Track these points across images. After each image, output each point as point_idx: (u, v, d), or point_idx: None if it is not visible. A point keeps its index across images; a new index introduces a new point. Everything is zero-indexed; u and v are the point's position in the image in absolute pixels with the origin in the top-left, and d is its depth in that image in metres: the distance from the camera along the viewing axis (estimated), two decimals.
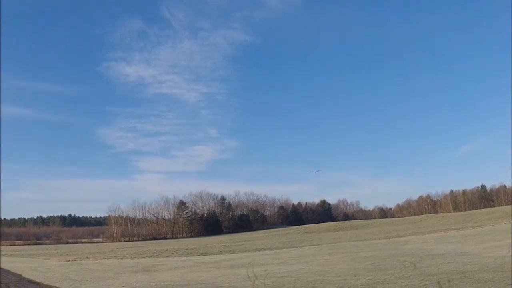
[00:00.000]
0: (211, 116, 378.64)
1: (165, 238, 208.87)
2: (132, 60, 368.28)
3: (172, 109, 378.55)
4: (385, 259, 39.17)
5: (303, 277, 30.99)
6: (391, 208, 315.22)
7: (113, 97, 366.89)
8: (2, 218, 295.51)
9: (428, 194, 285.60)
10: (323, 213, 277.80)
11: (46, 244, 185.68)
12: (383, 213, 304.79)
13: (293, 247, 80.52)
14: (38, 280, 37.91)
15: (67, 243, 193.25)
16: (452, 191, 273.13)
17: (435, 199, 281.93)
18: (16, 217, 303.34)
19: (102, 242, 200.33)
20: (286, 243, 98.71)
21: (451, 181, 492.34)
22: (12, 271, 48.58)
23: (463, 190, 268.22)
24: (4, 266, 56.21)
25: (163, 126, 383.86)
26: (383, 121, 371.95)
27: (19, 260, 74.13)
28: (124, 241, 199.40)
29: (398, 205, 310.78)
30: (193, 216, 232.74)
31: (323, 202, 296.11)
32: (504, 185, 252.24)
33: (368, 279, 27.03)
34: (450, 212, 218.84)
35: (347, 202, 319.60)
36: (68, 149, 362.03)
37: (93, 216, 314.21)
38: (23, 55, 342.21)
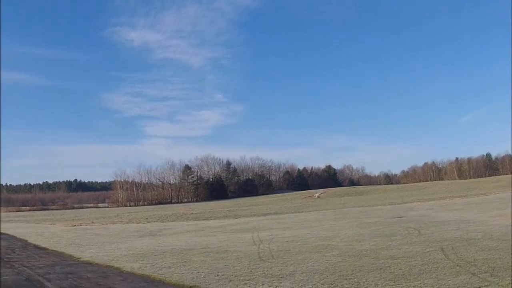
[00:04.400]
0: (216, 81, 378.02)
1: (170, 202, 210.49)
2: (137, 25, 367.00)
3: (178, 74, 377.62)
4: (389, 225, 39.71)
5: (308, 242, 31.47)
6: (396, 175, 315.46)
7: (118, 62, 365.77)
8: (8, 184, 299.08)
9: (433, 161, 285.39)
10: (329, 179, 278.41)
11: (51, 209, 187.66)
12: (388, 179, 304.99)
13: (299, 212, 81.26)
14: (43, 246, 38.72)
15: (73, 208, 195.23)
16: (457, 158, 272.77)
17: (440, 166, 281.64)
18: (22, 183, 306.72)
19: (108, 207, 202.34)
20: (292, 208, 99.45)
21: (456, 149, 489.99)
22: (18, 236, 49.52)
23: (468, 158, 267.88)
24: (10, 232, 57.26)
25: (169, 91, 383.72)
26: (389, 87, 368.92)
27: (24, 225, 75.28)
28: (130, 206, 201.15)
29: (403, 171, 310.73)
30: (198, 181, 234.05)
31: (329, 167, 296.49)
32: (510, 154, 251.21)
33: (373, 245, 27.48)
34: (455, 179, 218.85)
35: (352, 168, 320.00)
36: (73, 115, 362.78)
37: (98, 181, 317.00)
38: (26, 20, 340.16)
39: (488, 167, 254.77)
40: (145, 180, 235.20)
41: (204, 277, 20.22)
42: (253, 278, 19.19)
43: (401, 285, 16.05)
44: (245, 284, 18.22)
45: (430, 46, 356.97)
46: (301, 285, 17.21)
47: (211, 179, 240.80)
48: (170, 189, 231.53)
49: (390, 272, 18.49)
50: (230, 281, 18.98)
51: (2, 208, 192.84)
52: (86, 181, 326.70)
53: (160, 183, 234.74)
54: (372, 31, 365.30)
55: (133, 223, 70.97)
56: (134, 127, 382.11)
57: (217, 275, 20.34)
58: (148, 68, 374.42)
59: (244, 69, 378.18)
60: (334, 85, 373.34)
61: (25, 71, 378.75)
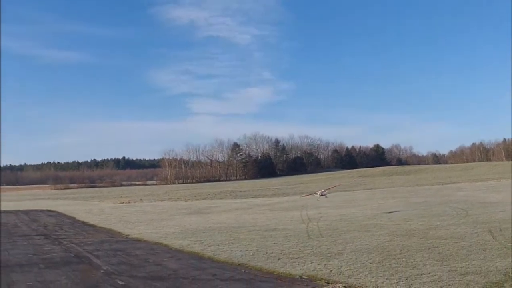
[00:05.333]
0: (263, 59, 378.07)
1: (219, 180, 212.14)
2: (184, 3, 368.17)
3: (224, 51, 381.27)
4: (437, 205, 39.27)
5: (356, 220, 31.39)
6: (444, 155, 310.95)
7: (165, 40, 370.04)
8: (56, 161, 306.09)
9: (481, 142, 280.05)
10: (377, 158, 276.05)
11: (99, 187, 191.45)
12: (436, 159, 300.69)
13: (347, 191, 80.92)
14: (92, 223, 39.47)
15: (121, 185, 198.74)
16: (504, 139, 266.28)
17: (488, 147, 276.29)
18: (70, 161, 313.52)
19: (156, 184, 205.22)
20: (340, 186, 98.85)
21: (504, 130, 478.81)
22: (66, 214, 50.64)
23: None
24: (58, 209, 58.59)
25: (216, 69, 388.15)
26: (439, 66, 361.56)
27: (73, 203, 76.96)
28: (178, 183, 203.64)
29: (451, 151, 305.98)
30: (247, 159, 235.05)
31: (377, 146, 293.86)
32: None
33: (421, 225, 27.17)
34: (503, 160, 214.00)
35: (400, 147, 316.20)
36: (121, 93, 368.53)
37: (147, 159, 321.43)
38: None
39: None
40: (193, 157, 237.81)
41: (252, 255, 20.27)
42: (302, 257, 19.16)
43: (449, 266, 15.77)
44: (294, 262, 18.20)
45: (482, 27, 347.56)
46: (350, 264, 17.09)
47: (259, 157, 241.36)
48: (218, 167, 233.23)
49: (438, 253, 18.22)
50: (278, 259, 18.97)
51: (50, 185, 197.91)
52: (134, 158, 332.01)
53: (209, 160, 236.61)
54: (421, 12, 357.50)
55: (181, 200, 71.82)
56: (181, 104, 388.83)
57: (266, 253, 20.37)
58: (194, 46, 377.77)
59: (291, 47, 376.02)
60: (383, 63, 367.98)
61: (74, 50, 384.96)
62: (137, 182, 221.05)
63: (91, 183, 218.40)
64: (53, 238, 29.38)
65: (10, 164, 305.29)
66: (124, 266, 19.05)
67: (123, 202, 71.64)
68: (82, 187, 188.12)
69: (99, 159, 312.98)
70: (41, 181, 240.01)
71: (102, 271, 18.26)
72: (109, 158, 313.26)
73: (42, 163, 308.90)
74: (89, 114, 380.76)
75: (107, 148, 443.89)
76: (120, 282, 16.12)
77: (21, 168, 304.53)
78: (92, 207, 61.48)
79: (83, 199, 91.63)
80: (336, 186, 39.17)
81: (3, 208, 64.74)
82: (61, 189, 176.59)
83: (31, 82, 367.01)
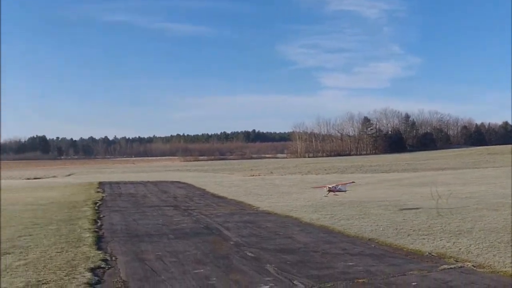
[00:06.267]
0: (393, 33, 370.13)
1: (349, 154, 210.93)
2: None
3: (353, 25, 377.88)
4: None
5: (486, 199, 30.26)
6: None
7: (294, 14, 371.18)
8: (186, 134, 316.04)
9: None
10: (506, 135, 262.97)
11: (229, 159, 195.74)
12: None
13: (476, 168, 78.42)
14: (221, 195, 40.34)
15: (251, 158, 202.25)
16: None
17: None
18: (200, 133, 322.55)
19: (286, 157, 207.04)
20: (469, 163, 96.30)
21: None
22: (196, 185, 52.14)
23: None
24: (188, 180, 60.46)
25: (345, 43, 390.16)
26: None
27: (202, 175, 79.23)
28: (308, 157, 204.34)
29: None
30: (377, 133, 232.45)
31: (506, 123, 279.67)
32: None
33: None
34: None
35: None
36: (251, 66, 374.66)
37: (277, 132, 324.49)
38: None
39: None
40: (323, 131, 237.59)
41: (382, 230, 20.08)
42: (431, 233, 18.82)
43: None
44: (423, 239, 17.89)
45: None
46: (478, 243, 16.52)
47: (389, 132, 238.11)
48: (349, 140, 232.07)
49: None
50: (408, 235, 18.73)
51: (179, 157, 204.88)
52: (265, 131, 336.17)
53: (339, 134, 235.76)
54: None
55: (312, 174, 72.02)
56: (310, 78, 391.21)
57: (396, 229, 20.13)
58: (323, 20, 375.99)
59: (421, 22, 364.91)
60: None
61: (205, 24, 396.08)
62: (267, 155, 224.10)
63: (221, 155, 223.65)
64: (182, 209, 30.28)
65: (139, 136, 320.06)
66: (254, 238, 19.27)
67: (253, 175, 72.84)
68: (211, 160, 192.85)
69: (229, 131, 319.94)
70: (171, 153, 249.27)
71: (232, 243, 18.57)
72: (239, 131, 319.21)
73: (171, 135, 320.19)
74: (219, 87, 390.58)
75: (237, 121, 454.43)
76: (250, 254, 16.30)
77: (151, 140, 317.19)
78: (222, 179, 62.94)
79: (213, 171, 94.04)
80: (352, 182, 35.39)
81: (133, 179, 67.69)
82: (191, 161, 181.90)
83: (161, 57, 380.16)
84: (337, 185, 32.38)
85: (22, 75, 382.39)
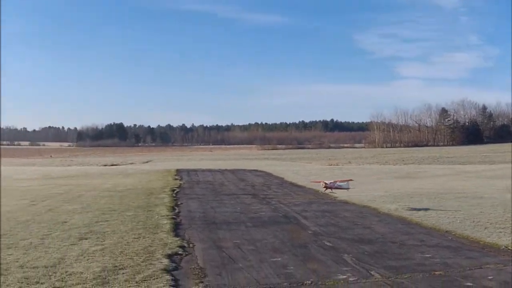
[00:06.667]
0: (470, 23, 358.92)
1: (426, 145, 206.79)
2: None
3: (430, 15, 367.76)
4: None
5: None
6: None
7: (370, 2, 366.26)
8: (264, 122, 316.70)
9: None
10: None
11: (307, 148, 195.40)
12: None
13: None
14: (300, 183, 40.47)
15: (329, 147, 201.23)
16: None
17: None
18: (278, 122, 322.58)
19: (364, 147, 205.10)
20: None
21: None
22: (274, 174, 52.42)
23: None
24: (266, 169, 60.82)
25: (421, 32, 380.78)
26: None
27: (281, 163, 79.50)
28: (386, 147, 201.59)
29: None
30: (454, 124, 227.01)
31: None
32: None
33: None
34: None
35: None
36: (328, 55, 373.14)
37: (355, 122, 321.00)
38: None
39: None
40: (401, 121, 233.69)
41: (460, 222, 19.85)
42: (508, 227, 18.52)
43: None
44: (500, 232, 17.66)
45: None
46: None
47: (466, 123, 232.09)
48: (426, 131, 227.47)
49: None
50: (485, 228, 18.49)
51: (257, 146, 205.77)
52: (343, 121, 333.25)
53: (417, 125, 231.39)
54: None
55: (389, 164, 71.24)
56: (387, 68, 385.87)
57: (473, 221, 19.90)
58: (399, 9, 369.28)
59: (500, 12, 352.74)
60: None
61: (279, 14, 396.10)
62: (345, 145, 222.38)
63: (299, 144, 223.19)
64: (261, 198, 30.55)
65: (217, 124, 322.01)
66: (332, 228, 19.37)
67: (331, 164, 72.65)
68: (289, 148, 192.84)
69: (307, 120, 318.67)
70: (248, 142, 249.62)
71: (310, 232, 18.71)
72: (317, 120, 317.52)
73: (249, 124, 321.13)
74: (297, 76, 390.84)
75: (316, 110, 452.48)
76: (327, 244, 16.41)
77: (229, 128, 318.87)
78: (299, 168, 63.01)
79: (291, 160, 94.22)
80: (350, 180, 31.84)
81: (211, 167, 68.48)
82: (268, 149, 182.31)
83: (238, 47, 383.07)
84: (335, 182, 30.22)
85: (100, 64, 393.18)
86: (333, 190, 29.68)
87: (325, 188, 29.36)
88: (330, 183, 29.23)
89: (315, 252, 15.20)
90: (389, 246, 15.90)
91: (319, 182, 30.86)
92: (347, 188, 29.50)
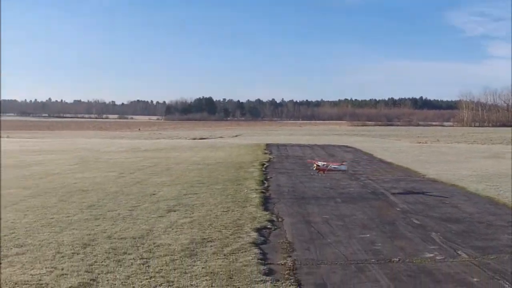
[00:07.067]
0: None
1: None
2: None
3: None
4: None
5: None
6: None
7: None
8: (353, 98, 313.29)
9: None
10: None
11: (396, 125, 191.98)
12: None
13: None
14: (388, 160, 39.90)
15: (418, 125, 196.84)
16: None
17: None
18: (367, 98, 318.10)
19: (453, 126, 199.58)
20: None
21: None
22: (363, 150, 51.87)
23: None
24: (355, 145, 60.23)
25: None
26: None
27: (369, 140, 78.49)
28: (474, 126, 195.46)
29: None
30: None
31: None
32: None
33: None
34: None
35: None
36: (419, 33, 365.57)
37: (444, 100, 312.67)
38: None
39: None
40: (490, 101, 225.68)
41: None
42: None
43: None
44: None
45: None
46: None
47: None
48: None
49: None
50: None
51: (346, 122, 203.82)
52: (432, 99, 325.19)
53: (505, 105, 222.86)
54: None
55: (477, 143, 69.01)
56: (477, 46, 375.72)
57: None
58: None
59: None
60: None
61: None
62: (434, 123, 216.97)
63: (388, 121, 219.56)
64: (350, 174, 30.28)
65: (306, 100, 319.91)
66: (420, 206, 19.12)
67: (420, 142, 71.08)
68: (378, 125, 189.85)
69: (396, 97, 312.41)
70: (338, 117, 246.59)
71: (398, 209, 18.55)
72: (407, 97, 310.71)
73: (339, 100, 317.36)
74: (387, 53, 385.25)
75: (405, 87, 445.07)
76: (415, 221, 16.24)
77: (318, 104, 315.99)
78: (388, 145, 62.07)
79: (380, 136, 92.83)
80: (344, 163, 26.59)
81: (300, 142, 68.27)
82: (358, 126, 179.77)
83: (330, 24, 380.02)
84: (328, 164, 26.82)
85: (192, 42, 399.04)
86: (325, 172, 25.78)
87: (317, 170, 25.62)
88: (323, 165, 25.53)
89: (403, 230, 15.10)
90: (476, 226, 15.61)
91: (313, 162, 27.97)
92: (345, 170, 26.40)
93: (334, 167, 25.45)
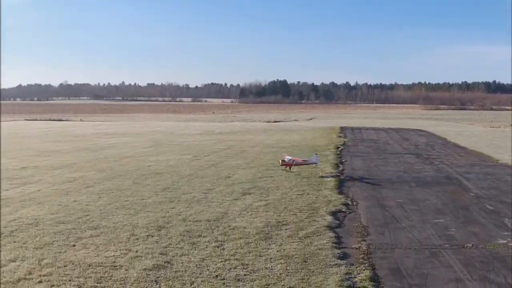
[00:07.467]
0: None
1: None
2: None
3: None
4: None
5: None
6: None
7: None
8: (427, 82, 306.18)
9: None
10: None
11: (469, 109, 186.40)
12: None
13: None
14: (462, 145, 38.80)
15: (491, 109, 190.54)
16: None
17: None
18: (441, 82, 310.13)
19: None
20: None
21: None
22: (437, 134, 50.63)
23: None
24: (429, 129, 58.90)
25: None
26: None
27: (443, 124, 76.66)
28: None
29: None
30: None
31: None
32: None
33: None
34: None
35: None
36: (492, 16, 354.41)
37: None
38: None
39: None
40: None
41: None
42: None
43: None
44: None
45: None
46: None
47: None
48: None
49: None
50: None
51: (420, 105, 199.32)
52: (505, 83, 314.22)
53: None
54: None
55: None
56: None
57: None
58: None
59: None
60: None
61: None
62: (507, 107, 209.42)
63: (461, 105, 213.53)
64: (424, 158, 29.75)
65: (380, 83, 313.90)
66: (493, 191, 18.62)
67: (493, 127, 68.85)
68: (452, 109, 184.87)
69: (469, 81, 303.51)
70: (411, 101, 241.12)
71: (471, 194, 18.09)
72: (480, 81, 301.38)
73: (413, 83, 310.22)
74: (461, 37, 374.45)
75: (479, 71, 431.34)
76: (489, 207, 15.83)
77: (392, 87, 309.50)
78: (462, 129, 60.48)
79: (454, 120, 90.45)
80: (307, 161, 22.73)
81: (375, 125, 67.13)
82: (431, 109, 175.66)
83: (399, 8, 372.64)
84: (293, 159, 23.76)
85: (267, 25, 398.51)
86: (288, 167, 23.13)
87: (284, 165, 23.25)
88: (289, 160, 23.31)
89: (477, 215, 14.76)
90: None
91: (284, 156, 25.13)
92: (316, 163, 23.77)
93: (304, 161, 24.00)
